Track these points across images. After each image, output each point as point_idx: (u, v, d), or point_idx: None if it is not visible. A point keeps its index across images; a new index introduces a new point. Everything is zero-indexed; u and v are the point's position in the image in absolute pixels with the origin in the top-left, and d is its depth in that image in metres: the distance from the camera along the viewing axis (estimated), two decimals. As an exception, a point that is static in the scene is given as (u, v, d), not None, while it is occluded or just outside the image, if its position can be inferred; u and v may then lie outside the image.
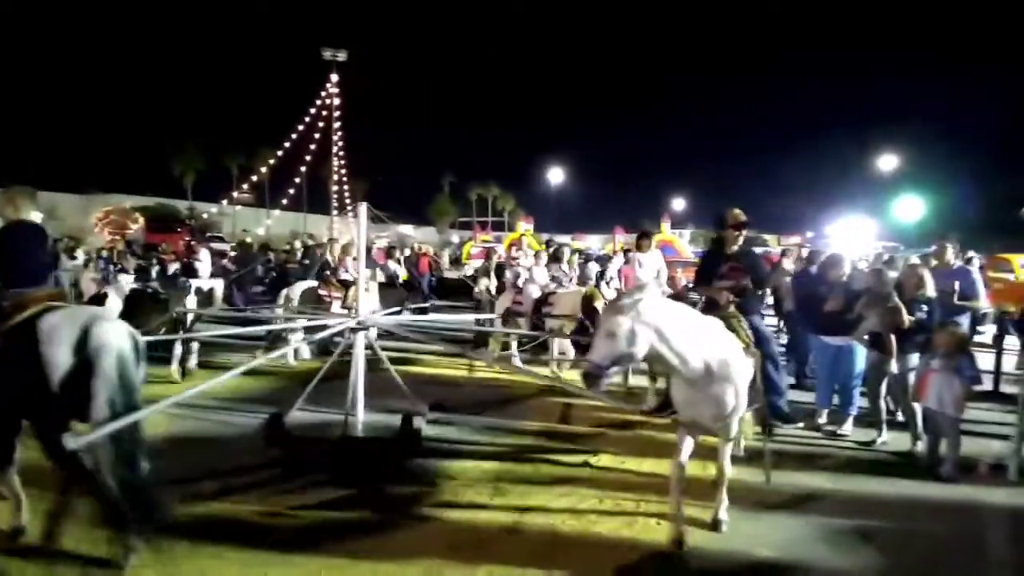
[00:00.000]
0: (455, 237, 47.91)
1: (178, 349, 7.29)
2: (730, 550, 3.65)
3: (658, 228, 28.80)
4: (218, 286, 8.71)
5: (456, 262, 26.01)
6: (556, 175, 53.87)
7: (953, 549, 3.79)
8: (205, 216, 37.36)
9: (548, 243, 15.73)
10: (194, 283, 8.38)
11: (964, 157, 51.54)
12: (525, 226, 27.01)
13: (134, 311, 6.93)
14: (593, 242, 33.00)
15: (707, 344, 3.46)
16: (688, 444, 3.75)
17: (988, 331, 8.77)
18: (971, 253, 11.80)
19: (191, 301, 7.84)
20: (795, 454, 5.25)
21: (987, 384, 7.32)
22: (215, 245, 25.51)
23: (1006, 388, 7.20)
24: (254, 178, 34.51)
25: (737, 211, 4.73)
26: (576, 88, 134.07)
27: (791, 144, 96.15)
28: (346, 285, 8.50)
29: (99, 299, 7.69)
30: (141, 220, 29.39)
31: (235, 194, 35.54)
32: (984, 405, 6.67)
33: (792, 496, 4.42)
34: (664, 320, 3.25)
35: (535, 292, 8.36)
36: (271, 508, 4.00)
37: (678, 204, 55.12)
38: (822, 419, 6.04)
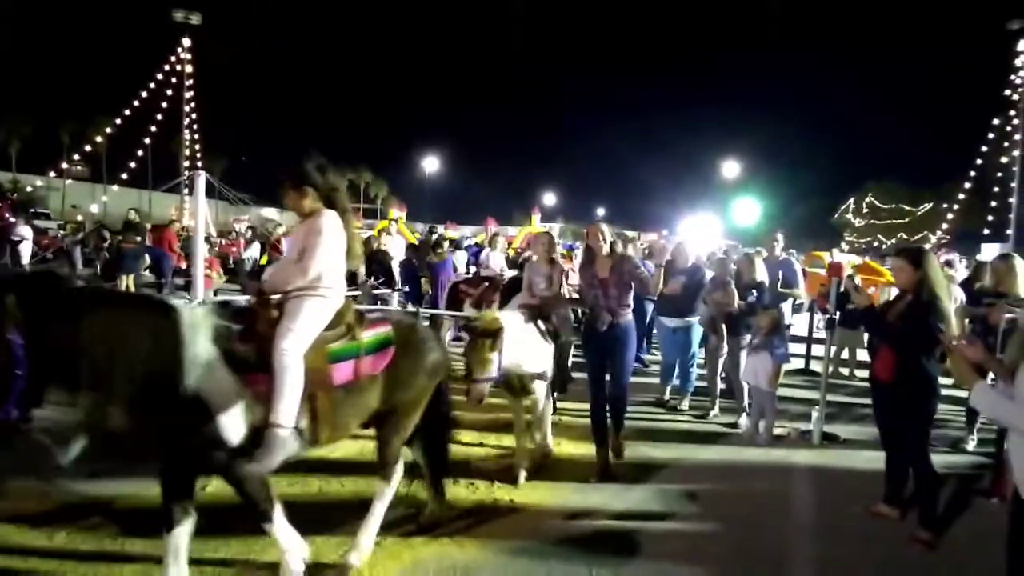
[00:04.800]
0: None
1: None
2: (577, 519, 3.86)
3: (528, 221, 29.61)
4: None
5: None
6: (431, 164, 53.36)
7: (766, 502, 4.30)
8: (29, 190, 32.60)
9: (431, 230, 15.59)
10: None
11: (794, 168, 58.84)
12: (398, 214, 26.45)
13: None
14: (466, 231, 33.13)
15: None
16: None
17: (802, 320, 10.03)
18: (792, 250, 13.46)
19: None
20: (638, 428, 5.66)
21: (799, 363, 8.44)
22: (39, 223, 22.31)
23: (815, 367, 8.31)
24: (88, 148, 30.59)
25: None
26: (453, 78, 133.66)
27: (654, 147, 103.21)
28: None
29: None
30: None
31: (65, 166, 31.34)
32: (796, 381, 7.67)
33: (634, 466, 4.77)
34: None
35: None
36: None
37: (548, 199, 57.00)
38: (665, 395, 6.58)
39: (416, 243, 13.33)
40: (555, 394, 5.03)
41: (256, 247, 12.73)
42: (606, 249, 4.57)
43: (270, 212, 32.23)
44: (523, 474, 4.28)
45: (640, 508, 4.07)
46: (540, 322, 4.55)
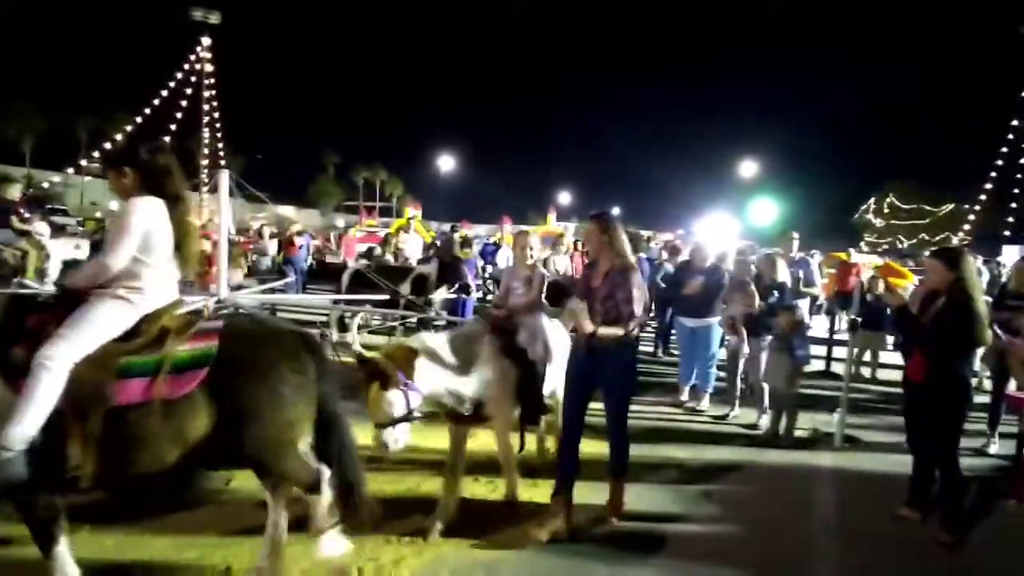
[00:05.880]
0: (340, 221, 46.16)
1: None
2: (598, 518, 3.82)
3: (544, 220, 29.61)
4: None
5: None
6: (446, 162, 53.50)
7: (787, 504, 4.25)
8: (45, 186, 33.11)
9: (453, 228, 15.61)
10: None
11: (810, 170, 58.34)
12: (413, 212, 26.57)
13: None
14: (481, 231, 33.18)
15: None
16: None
17: (823, 321, 9.96)
18: (814, 252, 13.36)
19: None
20: (657, 428, 5.63)
21: (820, 365, 8.35)
22: (57, 219, 22.63)
23: (836, 368, 8.22)
24: (107, 146, 31.01)
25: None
26: (468, 77, 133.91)
27: (670, 146, 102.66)
28: None
29: None
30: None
31: (84, 162, 31.78)
32: (817, 382, 7.59)
33: (654, 466, 4.73)
34: None
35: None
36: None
37: (564, 198, 56.92)
38: (683, 396, 6.54)
39: (435, 242, 13.37)
40: (526, 428, 3.93)
41: (273, 244, 12.81)
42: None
43: (286, 210, 32.53)
44: (438, 528, 3.45)
45: (660, 509, 4.04)
46: (498, 337, 3.76)
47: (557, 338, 4.04)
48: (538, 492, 4.10)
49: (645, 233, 16.89)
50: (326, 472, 2.80)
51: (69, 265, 8.58)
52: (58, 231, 18.22)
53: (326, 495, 2.78)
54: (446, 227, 21.49)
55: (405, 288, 8.09)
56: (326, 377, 2.81)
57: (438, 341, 3.54)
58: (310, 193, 61.50)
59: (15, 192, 8.84)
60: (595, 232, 3.67)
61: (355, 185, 66.28)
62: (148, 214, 2.57)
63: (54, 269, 7.66)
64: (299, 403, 2.67)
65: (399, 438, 3.22)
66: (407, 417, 3.21)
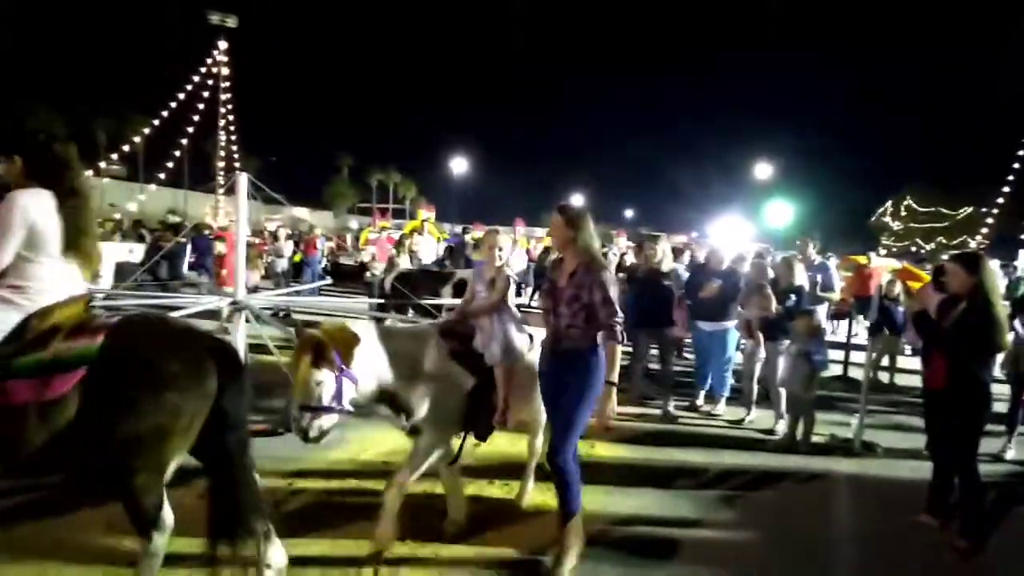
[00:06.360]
0: (354, 223, 46.40)
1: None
2: (613, 522, 3.83)
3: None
4: None
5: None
6: (459, 164, 53.62)
7: (804, 510, 4.22)
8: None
9: (465, 230, 15.65)
10: None
11: (829, 170, 57.81)
12: (427, 214, 26.62)
13: None
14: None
15: None
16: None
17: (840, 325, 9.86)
18: (829, 254, 13.23)
19: None
20: (672, 432, 5.61)
21: (837, 369, 8.27)
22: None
23: (853, 373, 8.13)
24: (126, 148, 31.44)
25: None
26: (480, 80, 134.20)
27: (683, 149, 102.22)
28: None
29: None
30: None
31: (103, 164, 32.21)
32: (834, 387, 7.53)
33: (669, 471, 4.72)
34: None
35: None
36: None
37: (576, 200, 56.77)
38: (699, 400, 6.51)
39: (449, 245, 13.40)
40: (464, 445, 3.47)
41: (289, 246, 12.92)
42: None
43: (301, 212, 32.76)
44: (453, 528, 3.42)
45: (675, 514, 4.02)
46: (449, 341, 3.40)
47: (523, 343, 3.56)
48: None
49: (658, 235, 16.75)
50: (167, 522, 2.50)
51: (122, 267, 8.78)
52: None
53: (155, 548, 2.46)
54: (458, 229, 21.54)
55: (447, 293, 8.05)
56: (233, 391, 2.51)
57: (380, 332, 3.22)
58: (324, 195, 61.90)
59: None
60: (560, 226, 3.23)
61: (369, 187, 66.62)
62: (31, 208, 2.38)
63: (107, 271, 7.90)
64: (182, 413, 2.39)
65: (323, 425, 2.90)
66: (335, 409, 2.90)
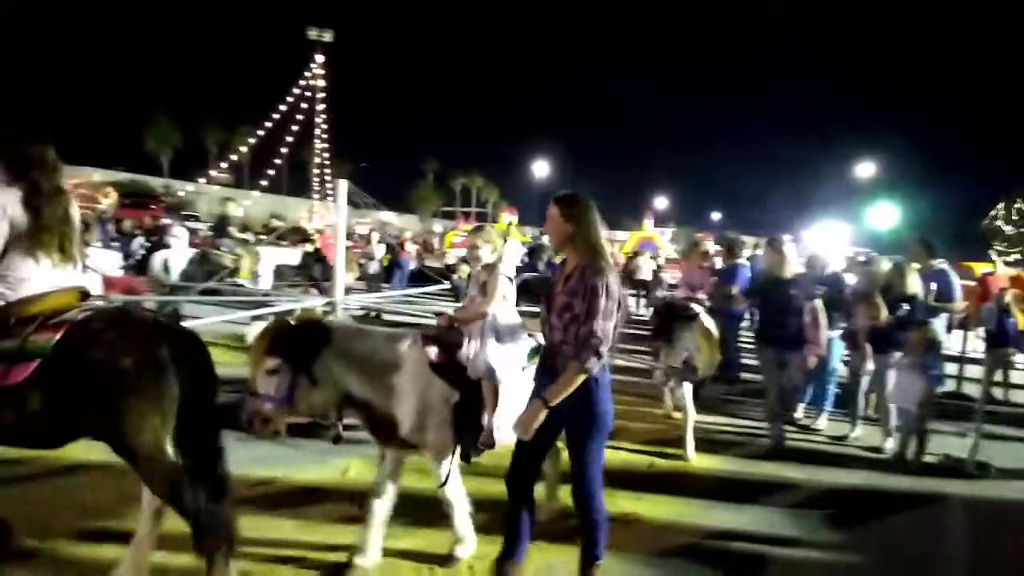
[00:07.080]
0: (438, 226, 47.65)
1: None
2: (702, 536, 3.72)
3: (640, 225, 29.07)
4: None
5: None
6: (541, 168, 53.78)
7: (911, 533, 3.94)
8: (181, 194, 36.61)
9: (542, 233, 15.76)
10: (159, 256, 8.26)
11: (936, 170, 53.18)
12: (509, 218, 26.97)
13: None
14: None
15: None
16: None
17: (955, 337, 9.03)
18: (942, 260, 12.07)
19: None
20: (764, 445, 5.36)
21: (951, 385, 7.60)
22: (190, 224, 25.05)
23: (966, 388, 7.46)
24: (234, 157, 33.92)
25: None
26: (565, 84, 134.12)
27: (772, 148, 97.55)
28: None
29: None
30: (114, 195, 28.72)
31: (213, 172, 34.86)
32: (947, 404, 6.91)
33: (763, 485, 4.52)
34: None
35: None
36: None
37: (660, 203, 55.60)
38: (798, 414, 6.18)
39: (532, 246, 13.48)
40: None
41: (381, 248, 13.46)
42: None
43: (389, 216, 34.00)
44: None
45: (769, 530, 3.84)
46: (429, 349, 3.03)
47: (517, 355, 3.18)
48: (644, 506, 4.03)
49: (748, 239, 16.07)
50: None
51: (281, 269, 9.60)
52: (192, 234, 20.39)
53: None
54: (538, 232, 21.61)
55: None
56: (189, 369, 2.55)
57: (352, 332, 3.07)
58: (409, 199, 63.96)
59: (234, 209, 10.09)
60: (556, 218, 2.70)
61: (452, 191, 68.21)
62: (9, 205, 2.53)
63: (266, 271, 8.69)
64: (130, 410, 2.44)
65: (267, 415, 2.82)
66: (280, 401, 2.80)
